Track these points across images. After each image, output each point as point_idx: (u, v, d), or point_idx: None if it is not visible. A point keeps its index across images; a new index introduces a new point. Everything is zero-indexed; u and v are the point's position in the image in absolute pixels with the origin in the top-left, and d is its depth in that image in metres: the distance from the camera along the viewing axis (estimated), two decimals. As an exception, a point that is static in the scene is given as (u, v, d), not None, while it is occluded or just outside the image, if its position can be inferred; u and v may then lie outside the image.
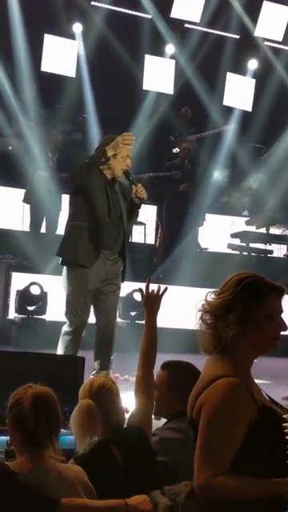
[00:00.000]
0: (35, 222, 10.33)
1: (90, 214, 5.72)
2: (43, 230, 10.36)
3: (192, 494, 2.60)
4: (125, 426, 3.42)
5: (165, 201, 11.53)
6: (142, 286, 3.66)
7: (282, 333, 2.66)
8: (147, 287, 3.63)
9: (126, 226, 5.87)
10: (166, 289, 3.59)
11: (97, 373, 5.74)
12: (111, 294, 5.90)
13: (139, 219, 11.15)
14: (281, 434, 2.45)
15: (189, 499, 2.68)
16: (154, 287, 3.62)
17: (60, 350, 5.78)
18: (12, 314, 9.17)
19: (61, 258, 5.87)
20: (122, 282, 6.01)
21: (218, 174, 12.23)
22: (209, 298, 2.66)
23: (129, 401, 3.76)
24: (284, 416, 2.48)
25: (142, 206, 10.89)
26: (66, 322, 5.86)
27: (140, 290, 3.66)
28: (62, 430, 3.01)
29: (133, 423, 3.46)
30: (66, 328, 5.83)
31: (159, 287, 3.61)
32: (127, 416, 3.59)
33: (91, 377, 3.53)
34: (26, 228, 10.42)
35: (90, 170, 5.62)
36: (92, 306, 5.89)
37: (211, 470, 2.41)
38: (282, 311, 2.65)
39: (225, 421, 2.44)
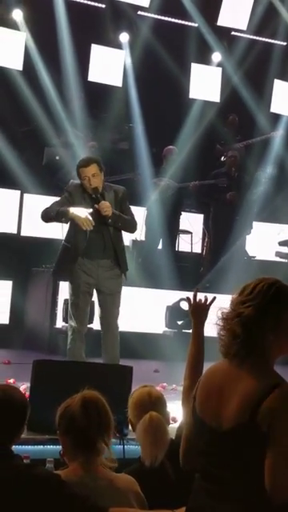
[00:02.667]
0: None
1: (71, 232, 6.49)
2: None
3: None
4: (173, 437, 3.41)
5: (211, 209, 11.49)
6: (189, 294, 3.64)
7: None
8: (195, 296, 3.60)
9: (112, 234, 6.43)
10: (214, 298, 3.56)
11: None
12: (108, 296, 6.48)
13: (185, 228, 11.28)
14: None
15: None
16: (201, 296, 3.59)
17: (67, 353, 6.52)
18: (60, 323, 9.22)
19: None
20: (125, 280, 6.63)
21: (269, 170, 12.16)
22: (236, 306, 2.68)
23: (176, 411, 3.75)
24: None
25: (189, 214, 11.04)
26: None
27: (188, 300, 3.63)
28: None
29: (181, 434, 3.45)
30: (68, 331, 6.64)
31: (206, 297, 3.58)
32: (175, 426, 3.57)
33: (139, 388, 3.52)
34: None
35: (48, 220, 6.58)
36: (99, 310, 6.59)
37: None
38: None
39: None
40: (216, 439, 2.60)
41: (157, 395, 3.43)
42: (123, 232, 6.65)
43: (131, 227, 6.67)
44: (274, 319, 2.63)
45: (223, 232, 11.00)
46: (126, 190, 6.76)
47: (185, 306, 9.59)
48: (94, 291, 6.56)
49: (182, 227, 11.27)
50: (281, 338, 2.65)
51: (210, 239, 11.62)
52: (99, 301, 6.58)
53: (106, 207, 6.32)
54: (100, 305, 6.57)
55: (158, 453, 3.19)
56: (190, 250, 11.49)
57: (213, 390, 2.68)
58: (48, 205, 6.61)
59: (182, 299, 9.49)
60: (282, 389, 2.53)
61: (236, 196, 11.10)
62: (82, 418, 2.88)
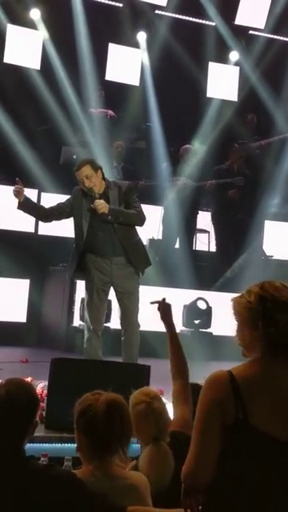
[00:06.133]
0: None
1: (77, 234, 6.54)
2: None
3: None
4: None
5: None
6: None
7: None
8: (159, 303, 4.05)
9: (116, 230, 6.40)
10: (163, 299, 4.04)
11: None
12: (124, 295, 6.47)
13: (203, 227, 11.25)
14: None
15: None
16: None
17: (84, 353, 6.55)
18: (77, 321, 9.23)
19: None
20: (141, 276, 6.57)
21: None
22: None
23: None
24: None
25: (206, 213, 10.98)
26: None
27: (158, 306, 4.06)
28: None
29: (175, 428, 3.53)
30: (84, 330, 6.67)
31: (159, 302, 4.04)
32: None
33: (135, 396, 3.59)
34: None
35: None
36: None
37: None
38: None
39: None
40: None
41: (155, 393, 3.50)
42: (137, 228, 6.61)
43: (136, 220, 6.52)
44: None
45: (229, 230, 11.01)
46: (131, 184, 6.77)
47: (202, 305, 9.59)
48: (112, 290, 6.56)
49: (199, 226, 11.25)
50: None
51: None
52: (117, 300, 6.57)
53: (101, 205, 6.30)
54: (118, 303, 6.56)
55: (161, 485, 3.11)
56: (207, 249, 11.47)
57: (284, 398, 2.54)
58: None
59: (199, 298, 9.49)
60: None
61: (238, 194, 10.97)
62: (104, 423, 2.84)
